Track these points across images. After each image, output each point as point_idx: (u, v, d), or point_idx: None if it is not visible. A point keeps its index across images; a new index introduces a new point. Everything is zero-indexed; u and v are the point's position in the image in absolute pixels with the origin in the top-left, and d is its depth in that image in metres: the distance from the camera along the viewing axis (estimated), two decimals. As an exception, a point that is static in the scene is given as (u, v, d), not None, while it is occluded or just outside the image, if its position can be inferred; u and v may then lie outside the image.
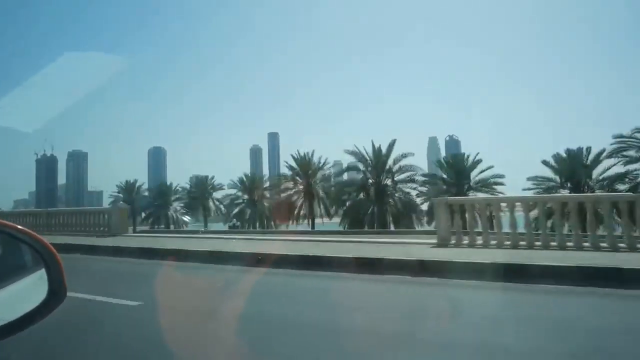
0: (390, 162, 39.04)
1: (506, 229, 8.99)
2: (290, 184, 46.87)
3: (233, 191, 55.91)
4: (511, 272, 6.21)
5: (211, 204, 58.78)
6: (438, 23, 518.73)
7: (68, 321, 3.60)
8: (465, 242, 9.06)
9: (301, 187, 46.28)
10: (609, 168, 31.70)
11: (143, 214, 59.21)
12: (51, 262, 1.18)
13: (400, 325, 4.17)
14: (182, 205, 59.71)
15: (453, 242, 9.13)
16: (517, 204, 9.37)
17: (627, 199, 8.79)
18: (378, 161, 39.16)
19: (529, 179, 34.30)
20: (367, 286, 6.45)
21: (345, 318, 4.32)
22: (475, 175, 37.83)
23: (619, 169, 31.08)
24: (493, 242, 8.77)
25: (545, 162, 34.10)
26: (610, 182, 30.55)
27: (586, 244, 8.23)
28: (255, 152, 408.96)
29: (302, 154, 47.46)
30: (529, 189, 33.44)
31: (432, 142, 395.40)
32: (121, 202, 52.85)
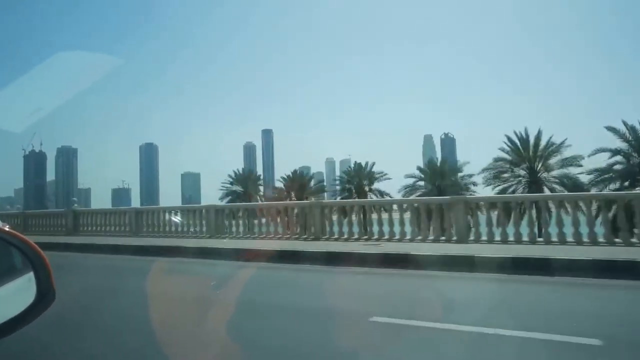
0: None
1: None
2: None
3: (411, 180, 43.45)
4: None
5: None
6: (435, 23, 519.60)
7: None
8: None
9: (522, 173, 35.88)
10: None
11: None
12: (39, 264, 1.18)
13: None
14: (334, 196, 50.70)
15: None
16: None
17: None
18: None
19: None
20: None
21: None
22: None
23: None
24: None
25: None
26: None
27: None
28: (249, 149, 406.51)
29: (521, 135, 36.25)
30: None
31: (427, 140, 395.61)
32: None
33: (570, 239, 9.29)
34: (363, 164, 50.53)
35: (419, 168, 45.04)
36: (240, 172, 58.08)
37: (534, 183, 33.87)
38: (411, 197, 32.42)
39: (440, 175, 41.72)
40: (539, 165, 35.35)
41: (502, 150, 36.74)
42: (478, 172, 39.03)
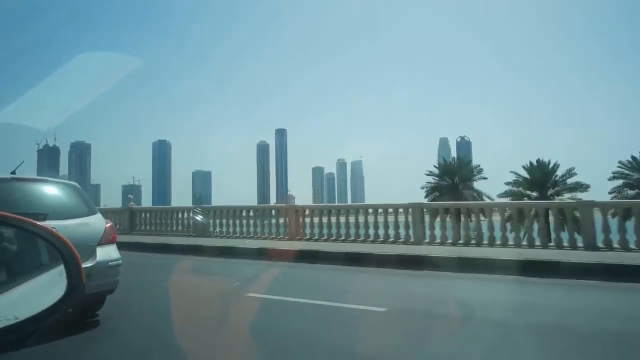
0: None
1: None
2: None
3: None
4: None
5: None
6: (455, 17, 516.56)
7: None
8: None
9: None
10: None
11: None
12: (70, 258, 1.20)
13: None
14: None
15: None
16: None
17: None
18: None
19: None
20: None
21: None
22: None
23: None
24: None
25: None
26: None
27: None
28: (262, 148, 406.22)
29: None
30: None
31: (443, 143, 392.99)
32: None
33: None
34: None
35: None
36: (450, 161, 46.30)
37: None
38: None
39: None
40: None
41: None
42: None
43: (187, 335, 4.12)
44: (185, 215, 14.91)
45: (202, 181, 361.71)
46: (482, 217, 10.85)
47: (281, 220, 13.52)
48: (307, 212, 13.12)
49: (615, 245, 8.93)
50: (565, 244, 9.36)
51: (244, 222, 13.63)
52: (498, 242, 9.96)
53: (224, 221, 13.86)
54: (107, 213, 15.87)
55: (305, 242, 11.86)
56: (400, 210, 11.17)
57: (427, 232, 10.87)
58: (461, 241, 10.39)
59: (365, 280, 7.75)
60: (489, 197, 38.04)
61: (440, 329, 4.61)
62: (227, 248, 11.03)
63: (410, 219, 10.93)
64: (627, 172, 34.57)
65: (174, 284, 6.79)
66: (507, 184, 37.28)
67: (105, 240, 4.83)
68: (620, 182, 34.32)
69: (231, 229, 13.59)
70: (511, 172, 37.58)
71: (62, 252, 1.20)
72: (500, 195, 36.96)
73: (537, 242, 9.72)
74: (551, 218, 11.23)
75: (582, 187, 35.47)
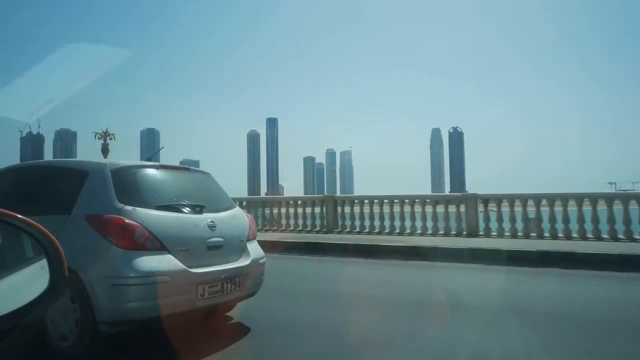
0: None
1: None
2: None
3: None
4: None
5: None
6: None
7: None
8: None
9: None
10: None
11: None
12: (52, 252, 1.18)
13: None
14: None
15: None
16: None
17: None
18: None
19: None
20: None
21: None
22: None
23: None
24: None
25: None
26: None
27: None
28: (253, 138, 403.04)
29: None
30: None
31: (435, 133, 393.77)
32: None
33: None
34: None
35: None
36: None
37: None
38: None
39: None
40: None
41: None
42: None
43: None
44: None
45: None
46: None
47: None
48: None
49: None
50: None
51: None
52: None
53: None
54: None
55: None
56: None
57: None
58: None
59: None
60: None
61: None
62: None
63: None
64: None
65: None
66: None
67: (251, 235, 4.45)
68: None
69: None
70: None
71: (44, 245, 1.18)
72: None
73: None
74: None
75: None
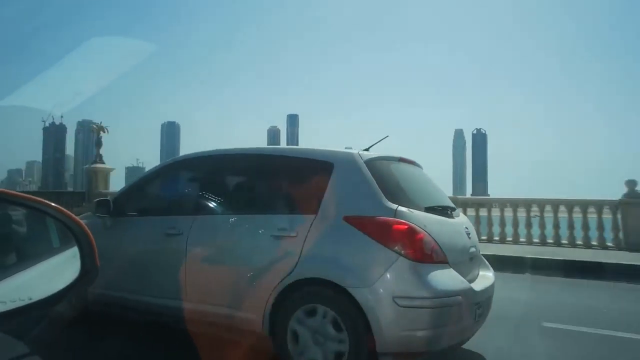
0: None
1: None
2: None
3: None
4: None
5: None
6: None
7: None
8: None
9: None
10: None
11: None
12: (84, 240, 1.17)
13: None
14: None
15: None
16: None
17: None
18: None
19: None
20: None
21: None
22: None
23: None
24: None
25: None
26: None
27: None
28: (273, 133, 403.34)
29: None
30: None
31: (458, 134, 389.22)
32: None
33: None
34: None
35: None
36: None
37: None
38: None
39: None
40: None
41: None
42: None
43: None
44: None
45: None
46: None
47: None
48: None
49: None
50: None
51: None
52: None
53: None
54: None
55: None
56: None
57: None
58: None
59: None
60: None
61: None
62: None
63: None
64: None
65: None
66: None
67: None
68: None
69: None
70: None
71: (76, 234, 1.17)
72: None
73: None
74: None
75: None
